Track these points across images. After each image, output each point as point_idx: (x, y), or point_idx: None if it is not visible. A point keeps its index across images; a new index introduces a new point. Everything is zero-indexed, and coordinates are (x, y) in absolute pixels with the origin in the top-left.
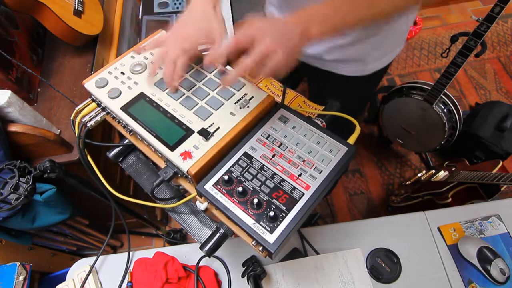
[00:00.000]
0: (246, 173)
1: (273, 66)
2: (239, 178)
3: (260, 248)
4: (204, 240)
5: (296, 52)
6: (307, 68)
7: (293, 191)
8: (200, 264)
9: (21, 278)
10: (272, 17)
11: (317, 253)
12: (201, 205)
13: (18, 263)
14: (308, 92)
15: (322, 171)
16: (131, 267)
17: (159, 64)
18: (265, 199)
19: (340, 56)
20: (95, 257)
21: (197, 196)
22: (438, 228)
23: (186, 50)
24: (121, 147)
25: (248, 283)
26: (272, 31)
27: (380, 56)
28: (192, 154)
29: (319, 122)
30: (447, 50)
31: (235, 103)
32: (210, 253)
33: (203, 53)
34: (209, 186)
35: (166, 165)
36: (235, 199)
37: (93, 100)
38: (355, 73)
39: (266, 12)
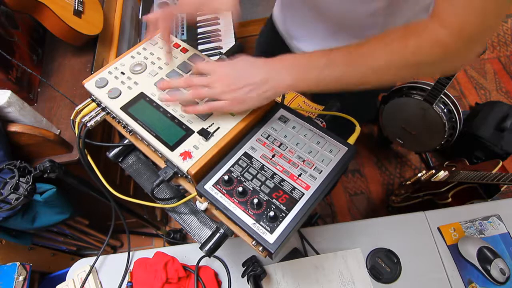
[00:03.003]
0: (246, 173)
1: (205, 109)
2: (239, 178)
3: (260, 248)
4: (204, 240)
5: (252, 96)
6: None
7: (293, 191)
8: (200, 264)
9: (21, 278)
10: (282, 19)
11: (317, 253)
12: (201, 205)
13: (18, 263)
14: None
15: (322, 171)
16: (131, 267)
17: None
18: (265, 199)
19: None
20: (95, 257)
21: (197, 196)
22: (438, 228)
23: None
24: (121, 147)
25: (248, 283)
26: (233, 69)
27: None
28: (192, 154)
29: (319, 122)
30: None
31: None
32: (210, 253)
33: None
34: (209, 186)
35: (166, 165)
36: (235, 199)
37: (93, 100)
38: None
39: (274, 14)
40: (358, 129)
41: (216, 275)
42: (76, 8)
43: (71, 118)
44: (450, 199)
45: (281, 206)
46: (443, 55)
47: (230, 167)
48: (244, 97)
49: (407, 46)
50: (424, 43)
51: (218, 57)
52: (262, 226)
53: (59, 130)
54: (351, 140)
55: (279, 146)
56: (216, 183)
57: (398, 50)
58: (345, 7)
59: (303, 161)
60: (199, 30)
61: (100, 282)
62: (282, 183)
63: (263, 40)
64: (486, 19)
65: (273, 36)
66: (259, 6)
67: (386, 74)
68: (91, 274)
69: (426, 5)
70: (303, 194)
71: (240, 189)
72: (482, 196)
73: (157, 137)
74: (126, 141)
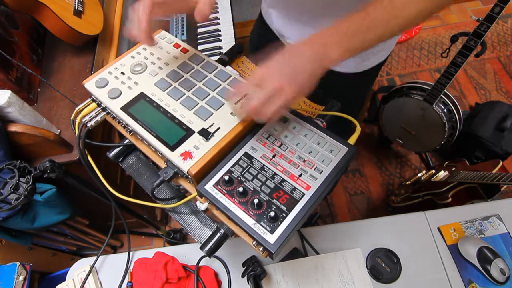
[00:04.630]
0: (247, 173)
1: (280, 104)
2: (239, 178)
3: (261, 249)
4: (205, 240)
5: (310, 83)
6: None
7: (293, 192)
8: (200, 264)
9: (21, 278)
10: (270, 19)
11: (317, 253)
12: (202, 205)
13: (18, 263)
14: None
15: (322, 171)
16: (131, 267)
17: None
18: (265, 200)
19: None
20: (95, 257)
21: (197, 196)
22: (438, 228)
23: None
24: (121, 147)
25: (248, 283)
26: (281, 68)
27: (376, 51)
28: (192, 154)
29: (319, 122)
30: (447, 50)
31: (235, 103)
32: (211, 253)
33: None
34: (209, 186)
35: (166, 165)
36: (235, 200)
37: (93, 100)
38: (351, 69)
39: (263, 10)
40: (358, 129)
41: (216, 275)
42: (76, 8)
43: (71, 118)
44: (450, 199)
45: (282, 206)
46: None
47: (231, 167)
48: (303, 85)
49: None
50: None
51: (218, 57)
52: (263, 226)
53: (59, 130)
54: (352, 140)
55: (279, 146)
56: (217, 183)
57: None
58: None
59: (304, 161)
60: (199, 30)
61: (100, 282)
62: (282, 183)
63: (256, 37)
64: None
65: (265, 31)
66: (259, 6)
67: (422, 13)
68: (91, 274)
69: None
70: (304, 194)
71: (241, 189)
72: (482, 196)
73: (157, 137)
74: (126, 141)
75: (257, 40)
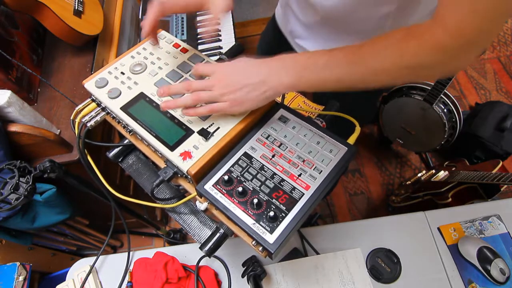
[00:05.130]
0: (246, 173)
1: (207, 111)
2: (239, 178)
3: (260, 248)
4: (204, 240)
5: (254, 99)
6: None
7: (293, 191)
8: (200, 264)
9: (21, 278)
10: (283, 18)
11: (317, 253)
12: (201, 205)
13: (18, 263)
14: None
15: (322, 171)
16: (131, 267)
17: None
18: (265, 199)
19: None
20: (95, 257)
21: (197, 196)
22: (438, 228)
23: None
24: (121, 147)
25: (248, 283)
26: (226, 80)
27: None
28: (192, 154)
29: (319, 122)
30: None
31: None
32: (210, 253)
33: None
34: (209, 186)
35: (166, 165)
36: (235, 199)
37: (93, 100)
38: None
39: (277, 13)
40: (358, 129)
41: (216, 275)
42: (76, 8)
43: (71, 118)
44: (450, 199)
45: (281, 206)
46: (443, 58)
47: (230, 167)
48: (243, 98)
49: (408, 47)
50: (425, 45)
51: (218, 57)
52: (262, 226)
53: (59, 130)
54: (351, 140)
55: (279, 146)
56: (216, 183)
57: (398, 51)
58: (354, 10)
59: (303, 161)
60: (199, 30)
61: (100, 282)
62: (282, 183)
63: (265, 42)
64: (489, 23)
65: (276, 37)
66: (259, 6)
67: (386, 76)
68: (91, 274)
69: (434, 8)
70: (303, 194)
71: (240, 189)
72: (482, 196)
73: (157, 137)
74: (126, 141)
75: (266, 46)
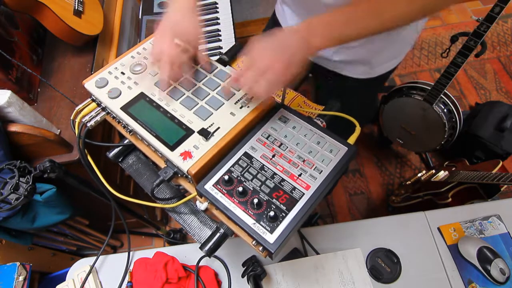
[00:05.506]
0: (246, 173)
1: (271, 79)
2: (239, 178)
3: (260, 248)
4: (204, 240)
5: (297, 62)
6: (313, 68)
7: (293, 191)
8: (200, 264)
9: (21, 278)
10: (283, 14)
11: (317, 253)
12: (201, 205)
13: (18, 263)
14: (310, 93)
15: (322, 171)
16: (131, 267)
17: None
18: (265, 199)
19: (348, 58)
20: (95, 257)
21: (197, 196)
22: (438, 228)
23: (186, 49)
24: (121, 147)
25: (248, 283)
26: (270, 47)
27: (387, 59)
28: (192, 154)
29: (319, 122)
30: (447, 50)
31: (235, 103)
32: (210, 253)
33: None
34: (209, 186)
35: (166, 165)
36: (235, 199)
37: (93, 100)
38: (361, 75)
39: (277, 9)
40: (358, 129)
41: (216, 275)
42: (76, 8)
43: (71, 118)
44: (450, 199)
45: (281, 206)
46: None
47: (230, 167)
48: (290, 62)
49: None
50: None
51: (218, 57)
52: (262, 226)
53: (59, 130)
54: (351, 140)
55: (279, 146)
56: (216, 183)
57: None
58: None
59: (303, 161)
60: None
61: (100, 282)
62: (282, 183)
63: None
64: None
65: None
66: (259, 6)
67: (407, 13)
68: (91, 274)
69: None
70: (303, 194)
71: (240, 189)
72: (482, 196)
73: (157, 137)
74: (126, 141)
75: None
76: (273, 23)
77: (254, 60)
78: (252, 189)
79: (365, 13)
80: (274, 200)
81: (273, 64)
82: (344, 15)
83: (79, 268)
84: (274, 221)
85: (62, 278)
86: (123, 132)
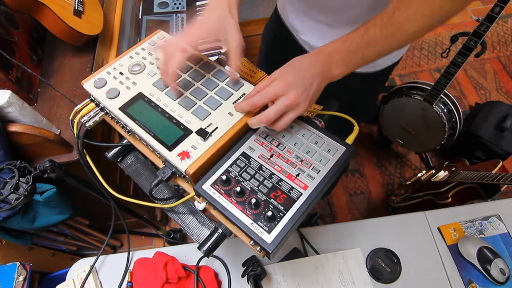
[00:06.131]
0: (244, 173)
1: (294, 117)
2: (237, 178)
3: (258, 248)
4: (203, 240)
5: (317, 94)
6: None
7: (291, 191)
8: (200, 264)
9: (21, 278)
10: (284, 11)
11: (317, 253)
12: (199, 205)
13: (18, 263)
14: None
15: (320, 171)
16: (131, 267)
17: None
18: (263, 199)
19: None
20: (95, 257)
21: (195, 196)
22: (438, 228)
23: (184, 49)
24: (120, 147)
25: (248, 283)
26: (295, 83)
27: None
28: (190, 154)
29: (317, 122)
30: (447, 50)
31: (233, 103)
32: (209, 253)
33: (204, 53)
34: (207, 186)
35: (164, 165)
36: (233, 199)
37: (92, 100)
38: (364, 69)
39: (279, 4)
40: (356, 129)
41: (216, 275)
42: (76, 8)
43: (70, 118)
44: (450, 199)
45: (279, 206)
46: None
47: (228, 167)
48: (314, 98)
49: (433, 2)
50: None
51: (217, 57)
52: (260, 226)
53: (59, 130)
54: (350, 140)
55: (277, 146)
56: (214, 183)
57: (428, 8)
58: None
59: (301, 161)
60: None
61: (100, 282)
62: (280, 183)
63: (269, 33)
64: None
65: (279, 27)
66: (259, 6)
67: (419, 34)
68: (91, 274)
69: None
70: (301, 194)
71: (238, 189)
72: (482, 196)
73: (155, 137)
74: (125, 141)
75: (270, 36)
76: (276, 19)
77: (278, 95)
78: (250, 189)
79: (383, 34)
80: (271, 200)
81: (299, 104)
82: (360, 39)
83: (79, 268)
84: (271, 221)
85: (62, 278)
86: (122, 132)
